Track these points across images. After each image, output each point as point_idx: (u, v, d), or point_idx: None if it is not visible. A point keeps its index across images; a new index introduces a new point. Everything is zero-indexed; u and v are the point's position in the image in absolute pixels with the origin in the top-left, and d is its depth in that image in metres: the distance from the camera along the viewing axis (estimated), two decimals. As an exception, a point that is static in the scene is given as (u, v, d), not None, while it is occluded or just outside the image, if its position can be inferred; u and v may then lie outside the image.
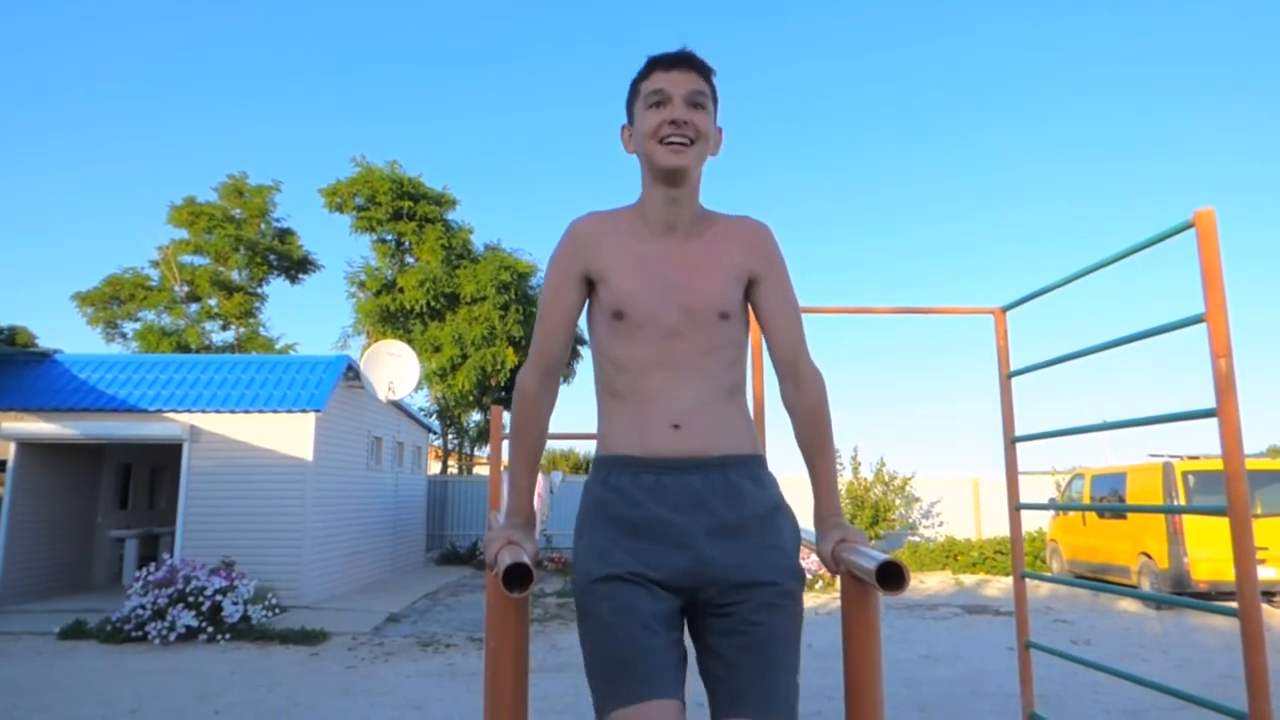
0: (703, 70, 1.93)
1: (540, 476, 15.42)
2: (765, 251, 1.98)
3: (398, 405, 15.67)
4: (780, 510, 1.88)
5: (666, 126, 1.86)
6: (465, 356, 21.16)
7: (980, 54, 45.85)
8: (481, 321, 21.13)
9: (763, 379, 3.99)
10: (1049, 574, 14.39)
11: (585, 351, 19.06)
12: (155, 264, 24.52)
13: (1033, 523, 17.55)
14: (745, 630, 1.74)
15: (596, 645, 1.72)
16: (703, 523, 1.78)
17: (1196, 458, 12.07)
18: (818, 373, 1.97)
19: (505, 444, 4.83)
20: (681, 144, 1.86)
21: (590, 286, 1.97)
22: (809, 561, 14.35)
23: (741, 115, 45.98)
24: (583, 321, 2.06)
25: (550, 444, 33.60)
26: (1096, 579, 13.16)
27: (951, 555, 17.10)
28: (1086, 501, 14.07)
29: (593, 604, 1.74)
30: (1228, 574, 10.48)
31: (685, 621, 1.84)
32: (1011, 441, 4.19)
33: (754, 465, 1.89)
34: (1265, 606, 9.70)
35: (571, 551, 1.97)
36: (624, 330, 1.89)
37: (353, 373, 13.56)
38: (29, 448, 11.83)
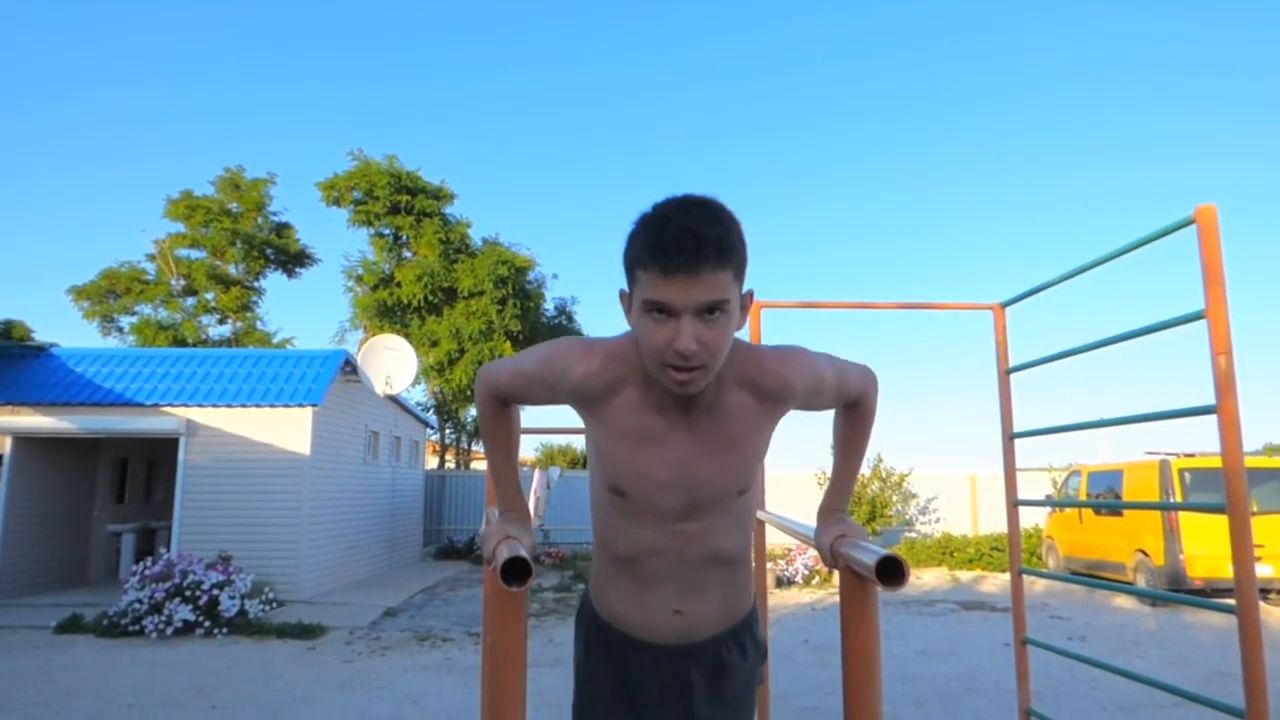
0: (724, 263, 1.47)
1: (538, 472, 15.44)
2: (808, 394, 1.74)
3: (395, 400, 15.66)
4: (753, 674, 2.00)
5: (671, 353, 1.49)
6: (463, 351, 21.15)
7: (981, 56, 45.84)
8: (479, 316, 21.11)
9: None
10: (1046, 570, 14.42)
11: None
12: (152, 257, 24.48)
13: (1029, 519, 17.58)
14: None
15: None
16: (687, 703, 1.90)
17: (1193, 455, 12.09)
18: (866, 378, 1.87)
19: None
20: (688, 373, 1.51)
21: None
22: (807, 557, 14.38)
23: (746, 116, 45.95)
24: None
25: (547, 440, 33.64)
26: (1093, 576, 13.18)
27: (948, 551, 17.13)
28: (1083, 498, 14.10)
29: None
30: (1223, 571, 10.52)
31: None
32: (1009, 438, 4.19)
33: (742, 631, 1.95)
34: (1261, 603, 9.73)
35: (573, 662, 2.06)
36: (624, 506, 1.75)
37: (350, 367, 13.55)
38: (25, 441, 11.82)
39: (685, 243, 1.43)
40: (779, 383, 1.68)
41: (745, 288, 1.57)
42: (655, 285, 1.46)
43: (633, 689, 1.89)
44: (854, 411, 1.90)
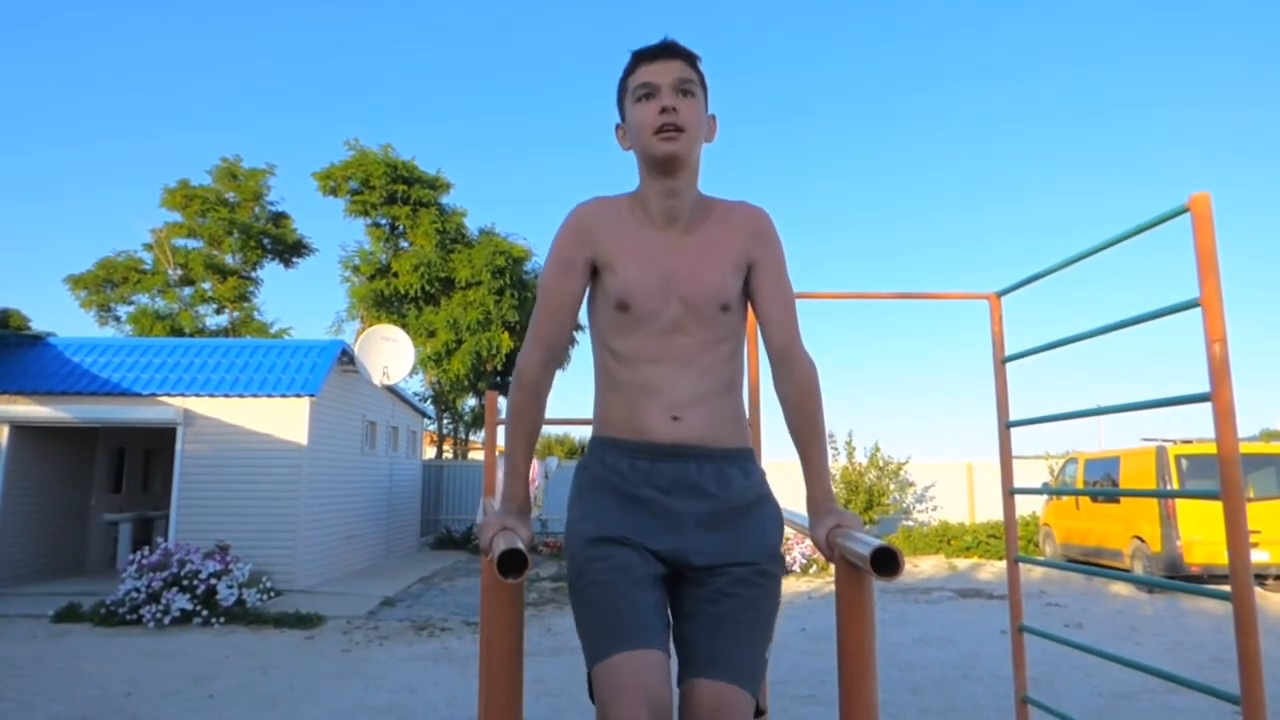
0: (687, 57, 1.92)
1: (535, 462, 15.45)
2: (763, 237, 1.99)
3: (392, 390, 15.65)
4: (765, 501, 1.95)
5: (657, 117, 1.86)
6: (460, 341, 21.11)
7: (978, 47, 45.72)
8: (476, 306, 21.07)
9: (758, 366, 3.98)
10: (1042, 558, 14.46)
11: (579, 336, 19.01)
12: (149, 247, 24.40)
13: (1026, 507, 17.62)
14: (720, 599, 1.81)
15: (591, 599, 1.78)
16: (692, 508, 1.85)
17: (1189, 442, 12.12)
18: (809, 360, 1.97)
19: (500, 429, 4.82)
20: (674, 132, 1.86)
21: (593, 273, 1.97)
22: (804, 546, 14.41)
23: (742, 104, 45.84)
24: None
25: (545, 430, 33.73)
26: (1089, 563, 13.23)
27: (945, 540, 17.16)
28: (1080, 486, 14.12)
29: (588, 562, 1.81)
30: (1220, 557, 10.55)
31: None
32: (1006, 426, 4.19)
33: (744, 458, 1.95)
34: (1257, 589, 9.75)
35: (566, 519, 2.01)
36: (626, 322, 1.90)
37: (347, 357, 13.54)
38: (22, 431, 11.81)
39: (661, 43, 1.93)
40: (741, 210, 2.00)
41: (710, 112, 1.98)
42: (640, 74, 1.90)
43: (630, 489, 1.87)
44: (802, 385, 1.95)
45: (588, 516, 1.88)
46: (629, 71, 1.95)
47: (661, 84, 1.88)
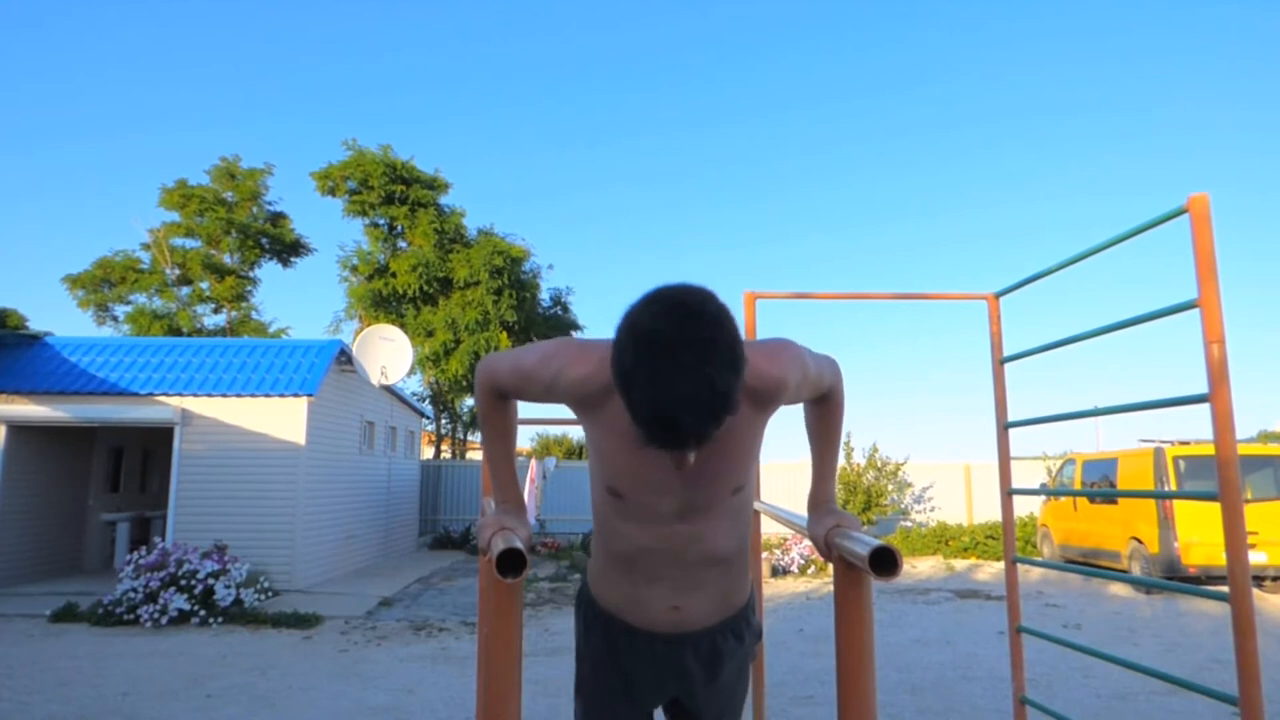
0: (718, 426, 1.44)
1: (534, 462, 15.43)
2: (796, 390, 1.75)
3: (390, 390, 15.64)
4: (749, 661, 2.10)
5: (669, 464, 1.56)
6: (458, 341, 21.10)
7: (978, 46, 45.75)
8: (475, 306, 21.06)
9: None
10: (1040, 559, 14.46)
11: (579, 333, 18.98)
12: (146, 247, 24.37)
13: (1024, 508, 17.63)
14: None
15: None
16: (688, 685, 1.98)
17: (1187, 443, 12.12)
18: (835, 372, 1.90)
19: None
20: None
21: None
22: (803, 546, 14.40)
23: (741, 105, 45.83)
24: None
25: (543, 430, 33.63)
26: (1087, 564, 13.23)
27: (943, 540, 17.17)
28: (1078, 487, 14.12)
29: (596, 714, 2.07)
30: (1218, 559, 10.56)
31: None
32: (1004, 427, 4.19)
33: (739, 621, 2.00)
34: (1255, 591, 9.74)
35: (574, 671, 2.13)
36: (621, 507, 1.76)
37: (345, 357, 13.53)
38: (20, 430, 11.79)
39: (684, 432, 1.40)
40: (771, 383, 1.68)
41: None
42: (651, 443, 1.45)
43: (628, 668, 1.96)
44: (826, 403, 1.92)
45: (597, 690, 2.05)
46: (638, 420, 1.44)
47: (683, 453, 1.51)
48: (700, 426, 1.40)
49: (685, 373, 1.37)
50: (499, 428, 1.93)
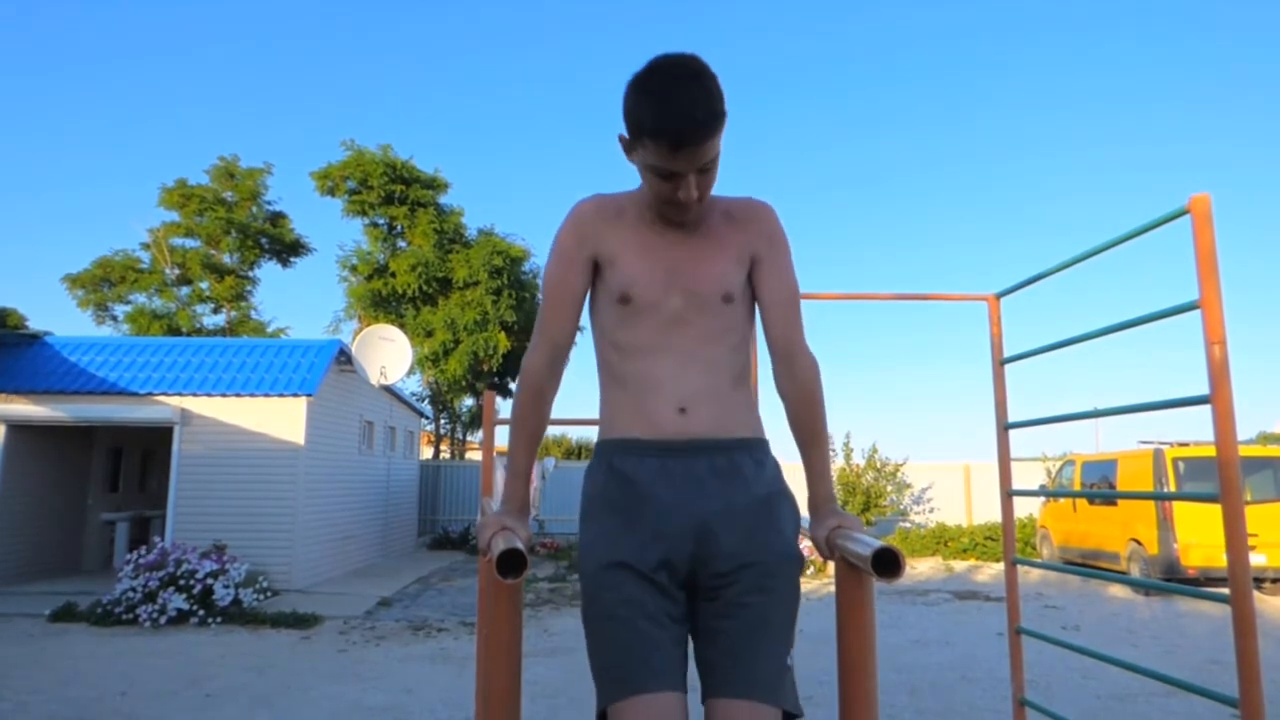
0: (715, 134, 1.74)
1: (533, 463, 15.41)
2: (766, 232, 1.95)
3: (390, 390, 15.64)
4: (779, 495, 1.90)
5: (675, 198, 1.80)
6: (458, 341, 21.09)
7: (976, 44, 45.76)
8: (474, 306, 21.05)
9: (758, 366, 3.98)
10: (1039, 560, 14.45)
11: (580, 338, 18.85)
12: (146, 246, 24.37)
13: (1023, 509, 17.63)
14: (732, 613, 1.77)
15: (603, 634, 1.76)
16: (703, 507, 1.80)
17: (1187, 444, 12.12)
18: (812, 358, 1.94)
19: (498, 429, 4.82)
20: (688, 207, 1.83)
21: (595, 269, 1.94)
22: (802, 546, 14.38)
23: (742, 103, 45.82)
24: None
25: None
26: (1087, 565, 13.23)
27: (943, 541, 17.16)
28: (1077, 488, 14.11)
29: (599, 590, 1.78)
30: (1217, 560, 10.56)
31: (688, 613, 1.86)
32: (1004, 428, 4.19)
33: (757, 449, 1.91)
34: (1255, 592, 9.73)
35: (577, 535, 1.97)
36: (629, 315, 1.88)
37: (345, 357, 13.52)
38: (19, 430, 11.79)
39: (689, 126, 1.69)
40: (745, 207, 1.97)
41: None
42: (663, 157, 1.73)
43: (640, 499, 1.82)
44: (804, 385, 1.92)
45: (599, 541, 1.84)
46: (647, 132, 1.73)
47: (685, 170, 1.75)
48: (707, 120, 1.69)
49: (687, 82, 1.71)
50: (529, 426, 1.96)
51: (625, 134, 1.83)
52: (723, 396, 1.87)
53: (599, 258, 1.93)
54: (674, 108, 1.69)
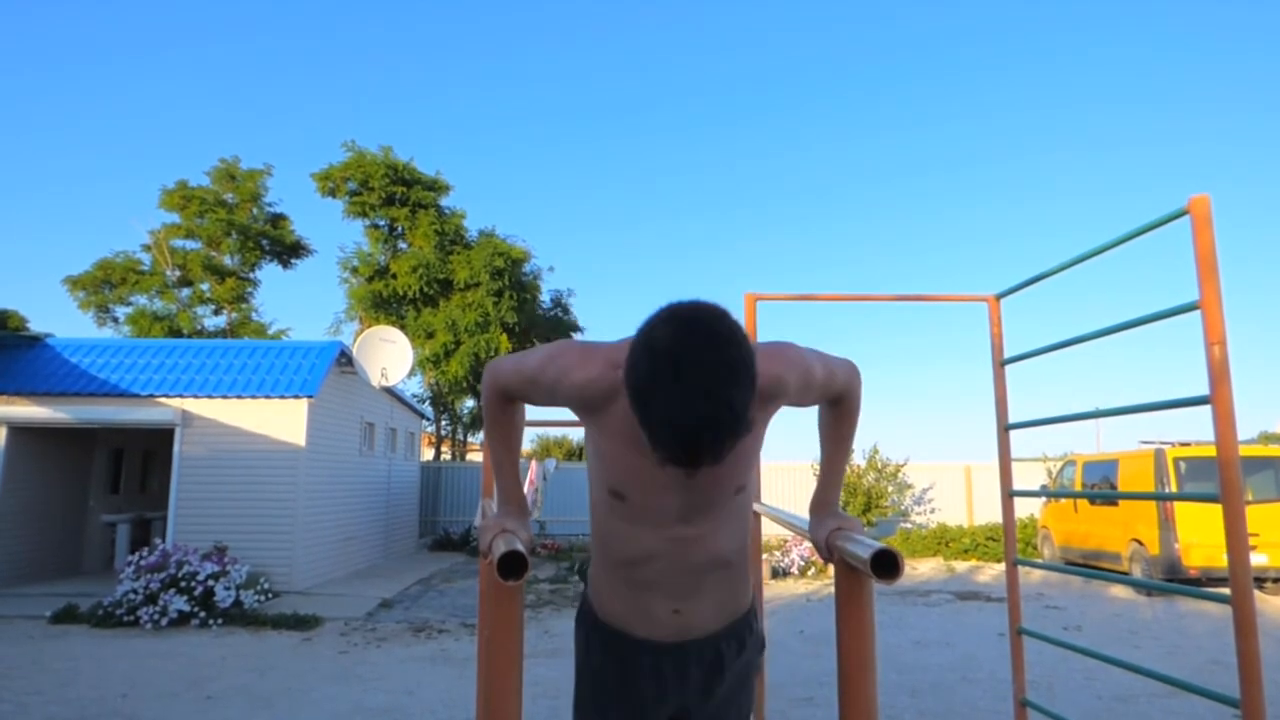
0: (739, 439, 1.45)
1: (534, 464, 15.44)
2: (798, 391, 1.77)
3: (391, 391, 15.64)
4: (751, 671, 2.03)
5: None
6: (459, 343, 21.10)
7: (977, 45, 45.76)
8: (475, 308, 21.06)
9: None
10: (1041, 561, 14.46)
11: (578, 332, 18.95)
12: (147, 248, 24.38)
13: (1025, 509, 17.61)
14: None
15: None
16: (691, 692, 1.93)
17: (1188, 444, 12.11)
18: (850, 374, 1.88)
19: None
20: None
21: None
22: (803, 548, 14.39)
23: (742, 105, 45.85)
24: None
25: (543, 432, 33.66)
26: (1088, 565, 13.22)
27: (944, 542, 17.15)
28: (1078, 488, 14.10)
29: None
30: (1219, 560, 10.54)
31: None
32: (1004, 429, 4.19)
33: (741, 627, 1.96)
34: (1256, 592, 9.71)
35: (576, 665, 2.06)
36: (623, 509, 1.76)
37: (346, 359, 13.52)
38: (20, 432, 11.79)
39: (699, 456, 1.42)
40: (771, 381, 1.68)
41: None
42: (668, 461, 1.46)
43: (631, 683, 1.90)
44: (840, 406, 1.91)
45: (593, 705, 1.98)
46: (656, 442, 1.44)
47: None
48: (718, 447, 1.41)
49: (705, 395, 1.37)
50: (504, 430, 1.94)
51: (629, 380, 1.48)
52: (719, 587, 1.86)
53: (586, 422, 1.76)
54: (684, 431, 1.39)
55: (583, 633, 2.00)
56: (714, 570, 1.81)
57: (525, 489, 2.11)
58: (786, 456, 19.29)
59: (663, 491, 1.69)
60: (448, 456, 25.70)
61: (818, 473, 1.98)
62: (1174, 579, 11.18)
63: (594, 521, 1.87)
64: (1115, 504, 12.89)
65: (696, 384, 1.37)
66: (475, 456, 26.82)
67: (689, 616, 1.83)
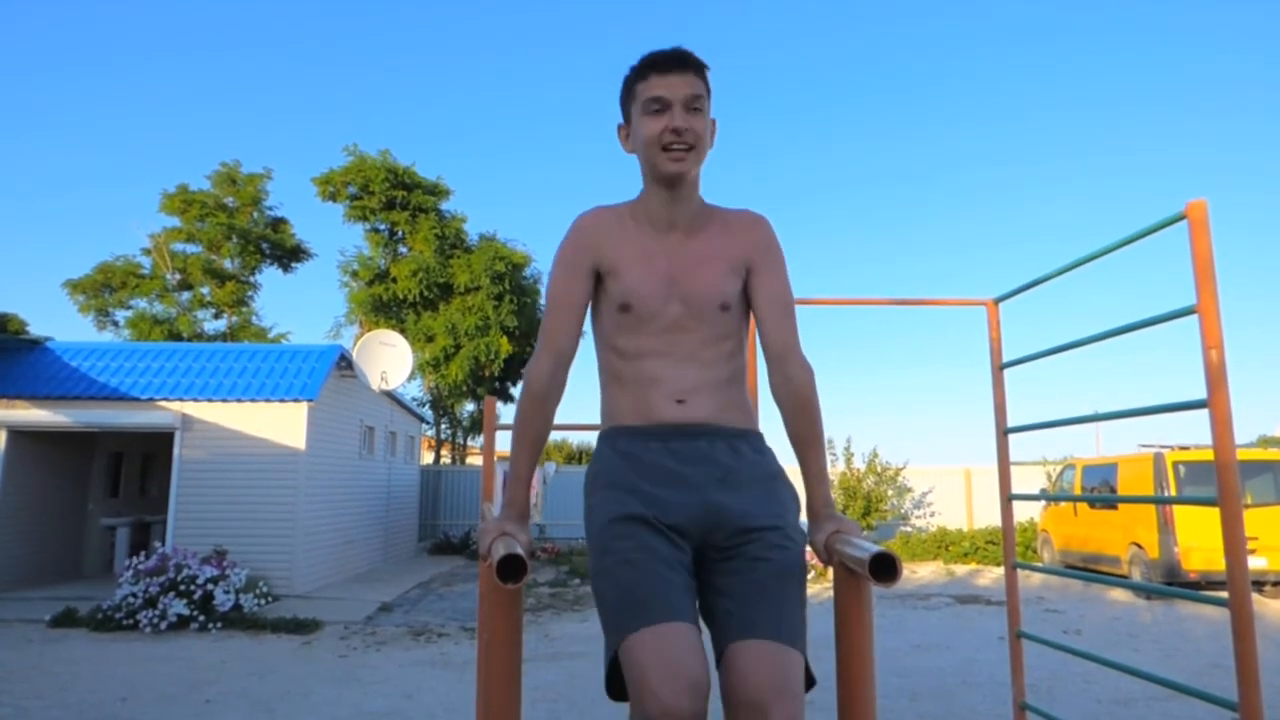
0: (700, 71, 1.94)
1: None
2: (762, 242, 2.02)
3: (390, 395, 15.64)
4: (781, 477, 1.96)
5: (667, 134, 1.89)
6: (459, 346, 21.10)
7: (975, 49, 45.81)
8: (475, 311, 21.07)
9: (755, 373, 3.99)
10: (1040, 564, 14.46)
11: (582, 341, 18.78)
12: (147, 252, 24.40)
13: (1024, 513, 17.61)
14: (753, 566, 1.77)
15: (615, 577, 1.74)
16: (710, 474, 1.86)
17: (1187, 448, 12.11)
18: (806, 364, 1.99)
19: (499, 434, 4.82)
20: (682, 151, 1.89)
21: (597, 279, 2.00)
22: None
23: (741, 109, 45.91)
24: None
25: (543, 434, 33.81)
26: (1087, 569, 13.22)
27: (943, 545, 17.15)
28: (1078, 492, 14.11)
29: (612, 542, 1.78)
30: (1218, 564, 10.54)
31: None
32: (1003, 433, 4.19)
33: (755, 439, 1.99)
34: (1255, 596, 9.72)
35: (584, 509, 1.99)
36: (629, 322, 1.95)
37: (345, 362, 13.52)
38: (20, 435, 11.79)
39: (673, 52, 1.92)
40: (743, 217, 2.04)
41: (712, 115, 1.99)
42: (652, 85, 1.90)
43: (646, 472, 1.86)
44: (800, 392, 1.95)
45: (607, 500, 1.86)
46: (639, 77, 1.95)
47: (674, 100, 1.89)
48: (687, 53, 1.92)
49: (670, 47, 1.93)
50: (532, 432, 1.98)
51: (621, 120, 2.04)
52: (719, 391, 1.95)
53: (600, 268, 1.99)
54: (660, 50, 1.93)
55: (594, 458, 2.01)
56: (711, 370, 1.94)
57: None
58: (784, 461, 19.28)
59: (662, 299, 1.92)
60: (447, 460, 25.68)
61: (803, 476, 1.98)
62: (1173, 582, 11.18)
63: (603, 357, 2.03)
64: (1114, 507, 12.90)
65: (663, 47, 1.93)
66: (475, 460, 26.80)
67: (691, 407, 1.91)
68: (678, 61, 1.91)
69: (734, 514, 1.81)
